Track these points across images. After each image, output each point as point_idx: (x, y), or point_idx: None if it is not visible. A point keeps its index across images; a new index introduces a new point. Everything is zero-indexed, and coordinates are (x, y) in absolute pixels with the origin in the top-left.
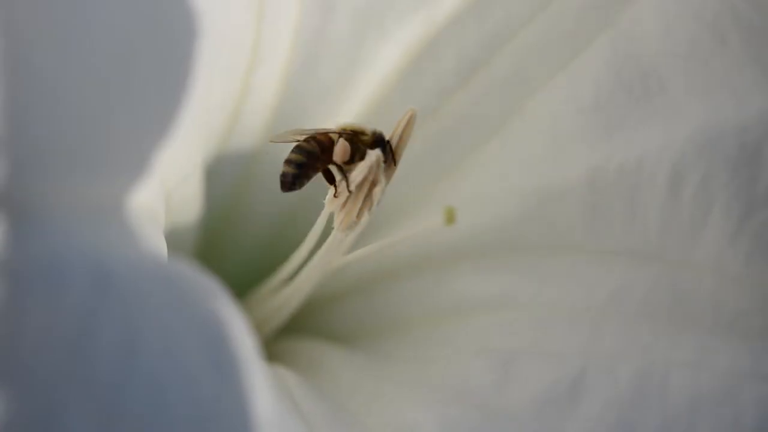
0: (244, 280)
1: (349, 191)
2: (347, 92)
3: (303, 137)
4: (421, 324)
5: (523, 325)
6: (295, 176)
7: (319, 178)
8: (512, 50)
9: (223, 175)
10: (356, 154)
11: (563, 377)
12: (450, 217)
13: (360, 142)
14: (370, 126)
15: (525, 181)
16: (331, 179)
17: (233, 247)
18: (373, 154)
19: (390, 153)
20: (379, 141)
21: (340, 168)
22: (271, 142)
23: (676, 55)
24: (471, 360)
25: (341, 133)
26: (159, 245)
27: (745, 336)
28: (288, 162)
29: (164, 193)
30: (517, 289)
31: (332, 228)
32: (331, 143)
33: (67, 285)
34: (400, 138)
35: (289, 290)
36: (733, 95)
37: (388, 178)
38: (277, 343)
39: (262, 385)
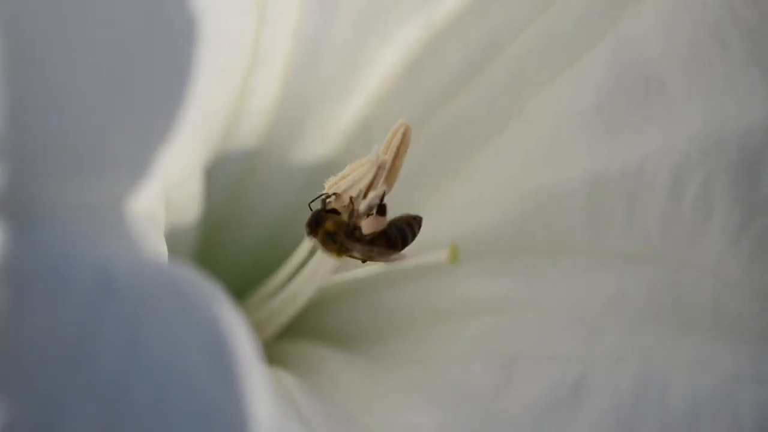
0: (243, 281)
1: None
2: (348, 93)
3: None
4: (421, 326)
5: (523, 327)
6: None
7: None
8: (513, 52)
9: (222, 175)
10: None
11: (564, 380)
12: (454, 255)
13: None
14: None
15: (526, 183)
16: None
17: (233, 248)
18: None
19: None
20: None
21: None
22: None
23: (677, 59)
24: (471, 362)
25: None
26: (159, 247)
27: (745, 339)
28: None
29: (164, 194)
30: (517, 291)
31: None
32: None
33: (68, 288)
34: (397, 151)
35: (289, 293)
36: (735, 99)
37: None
38: (277, 345)
39: (262, 387)
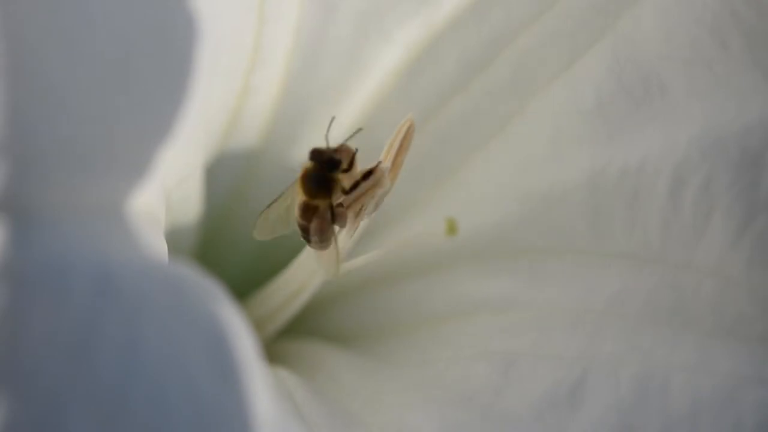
0: (244, 280)
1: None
2: (347, 93)
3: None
4: (422, 326)
5: (523, 327)
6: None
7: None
8: (513, 53)
9: (223, 175)
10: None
11: (564, 380)
12: (451, 228)
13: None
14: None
15: (525, 183)
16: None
17: (233, 247)
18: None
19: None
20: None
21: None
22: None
23: (678, 59)
24: (472, 362)
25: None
26: (160, 247)
27: (746, 339)
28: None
29: (164, 194)
30: (517, 292)
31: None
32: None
33: (69, 288)
34: (400, 147)
35: (291, 290)
36: (735, 99)
37: (391, 180)
38: (278, 344)
39: (262, 386)
